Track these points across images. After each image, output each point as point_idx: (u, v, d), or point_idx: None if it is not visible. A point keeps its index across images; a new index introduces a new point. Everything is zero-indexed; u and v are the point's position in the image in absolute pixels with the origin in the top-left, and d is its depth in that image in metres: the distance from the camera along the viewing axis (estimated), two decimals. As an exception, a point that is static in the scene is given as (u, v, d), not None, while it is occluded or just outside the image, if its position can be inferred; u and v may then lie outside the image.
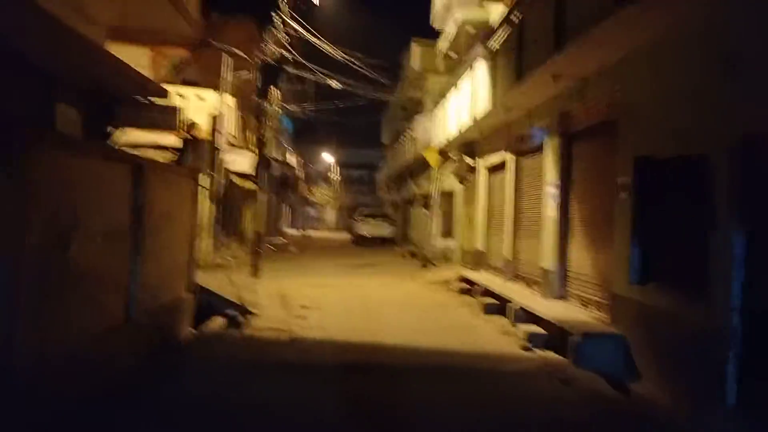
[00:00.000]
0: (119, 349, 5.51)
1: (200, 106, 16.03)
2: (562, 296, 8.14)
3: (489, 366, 6.18)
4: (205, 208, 16.46)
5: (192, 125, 7.79)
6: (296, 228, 46.61)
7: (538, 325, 7.52)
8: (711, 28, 5.01)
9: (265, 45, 11.73)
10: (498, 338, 7.51)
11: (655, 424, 4.84)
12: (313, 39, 13.40)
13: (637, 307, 5.94)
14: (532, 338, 7.03)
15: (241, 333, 7.58)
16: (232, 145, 17.54)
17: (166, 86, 14.89)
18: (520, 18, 8.34)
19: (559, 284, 8.20)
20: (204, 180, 16.52)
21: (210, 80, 17.32)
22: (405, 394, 5.27)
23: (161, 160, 9.78)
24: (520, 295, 9.00)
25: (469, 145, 14.12)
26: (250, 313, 8.60)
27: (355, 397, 5.15)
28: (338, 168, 54.79)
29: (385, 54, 22.43)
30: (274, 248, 25.32)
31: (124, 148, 13.18)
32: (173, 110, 9.11)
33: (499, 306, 9.24)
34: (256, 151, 12.55)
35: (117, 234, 5.53)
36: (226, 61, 15.81)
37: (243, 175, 20.60)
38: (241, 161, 17.80)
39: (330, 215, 58.27)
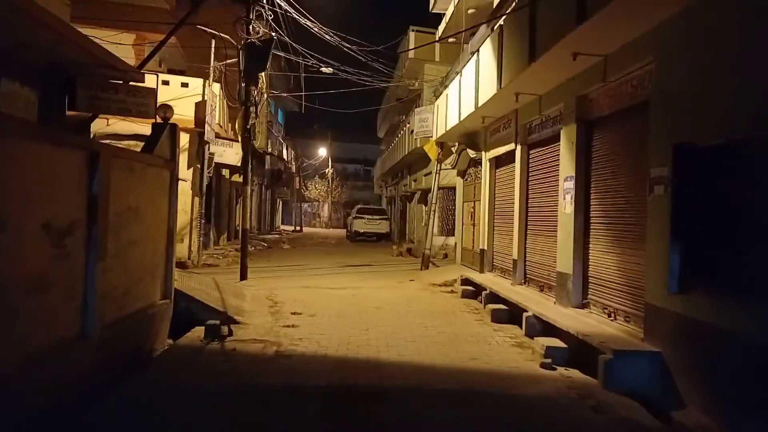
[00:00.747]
0: (66, 372, 4.62)
1: (184, 94, 15.13)
2: (582, 304, 7.28)
3: (505, 388, 5.32)
4: (191, 203, 15.58)
5: (168, 109, 6.85)
6: (291, 224, 45.71)
7: (557, 336, 6.67)
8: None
9: (253, 26, 10.78)
10: (512, 352, 6.65)
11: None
12: (304, 20, 12.51)
13: (678, 320, 5.09)
14: (551, 353, 6.16)
15: (222, 346, 6.69)
16: (220, 136, 16.61)
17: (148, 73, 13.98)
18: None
19: (578, 290, 7.34)
20: (189, 173, 15.67)
21: (197, 69, 16.40)
22: (409, 427, 4.40)
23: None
24: (533, 301, 8.14)
25: (472, 137, 13.23)
26: (235, 321, 7.73)
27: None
28: (333, 163, 53.77)
29: (383, 42, 21.43)
30: (266, 245, 24.46)
31: (105, 141, 12.34)
32: (148, 93, 8.10)
33: (508, 313, 8.38)
34: (246, 142, 11.56)
35: (66, 231, 4.64)
36: (212, 47, 14.89)
37: (233, 169, 19.69)
38: (229, 153, 16.90)
39: (325, 211, 57.32)
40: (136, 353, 6.32)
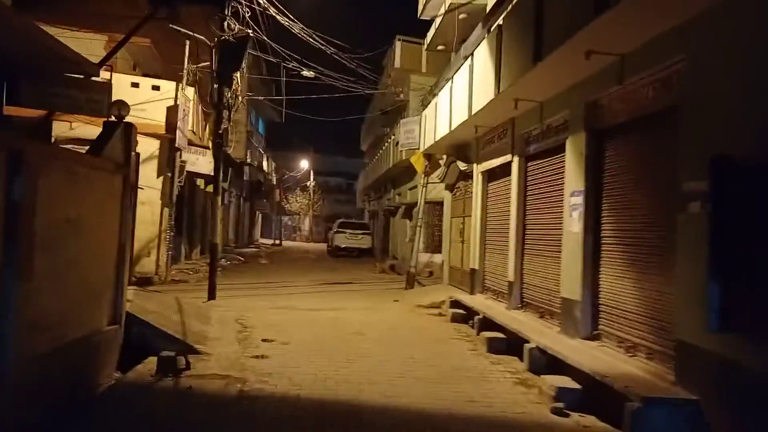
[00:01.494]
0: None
1: (156, 97, 14.15)
2: (592, 335, 6.43)
3: (513, 441, 4.42)
4: (160, 213, 14.52)
5: (123, 105, 5.92)
6: (270, 237, 44.51)
7: (564, 372, 5.80)
8: None
9: (228, 24, 9.89)
10: (515, 392, 5.75)
11: None
12: (284, 20, 11.66)
13: (720, 363, 4.26)
14: (562, 396, 5.28)
15: (176, 383, 5.70)
16: (193, 143, 15.63)
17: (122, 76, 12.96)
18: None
19: (588, 319, 6.49)
20: (159, 182, 14.63)
21: (173, 74, 15.38)
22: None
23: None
24: (534, 330, 7.28)
25: (463, 148, 12.44)
26: (195, 351, 6.73)
27: None
28: (316, 176, 52.78)
29: (368, 50, 20.69)
30: (243, 259, 23.36)
31: (68, 146, 11.27)
32: (102, 88, 7.10)
33: (506, 342, 7.50)
34: (218, 148, 10.61)
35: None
36: (186, 48, 13.95)
37: (208, 178, 18.64)
38: (203, 161, 15.90)
39: (306, 224, 56.21)
40: (73, 391, 5.30)
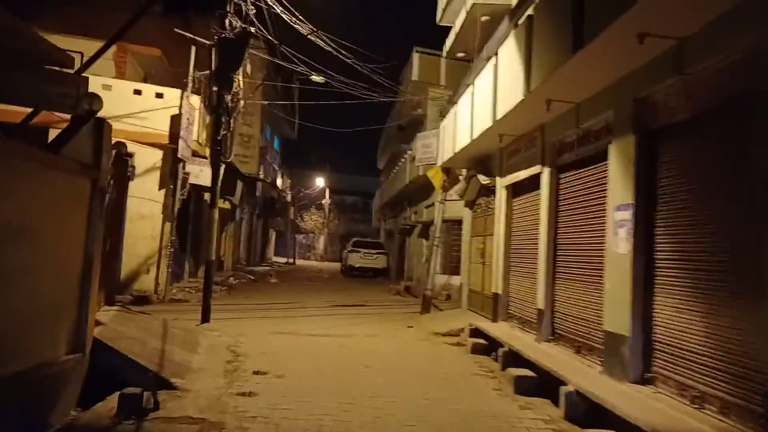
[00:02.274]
0: None
1: (159, 105, 13.42)
2: (644, 378, 5.30)
3: None
4: (161, 228, 13.67)
5: (94, 99, 5.05)
6: (284, 256, 43.63)
7: (613, 426, 4.69)
8: None
9: (230, 21, 9.08)
10: (553, 451, 4.64)
11: None
12: (294, 20, 10.85)
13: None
14: (616, 460, 4.17)
15: (137, 427, 4.70)
16: (197, 154, 14.82)
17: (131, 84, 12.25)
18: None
19: (638, 359, 5.37)
20: (161, 195, 13.81)
21: (181, 82, 14.62)
22: None
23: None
24: (570, 368, 6.16)
25: (484, 161, 11.42)
26: (169, 386, 5.73)
27: None
28: (332, 194, 51.97)
29: (384, 60, 19.86)
30: (252, 278, 22.43)
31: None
32: (73, 81, 6.22)
33: (536, 382, 6.37)
34: (222, 159, 9.73)
35: None
36: (192, 54, 13.21)
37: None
38: (207, 174, 15.02)
39: (321, 243, 55.33)
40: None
